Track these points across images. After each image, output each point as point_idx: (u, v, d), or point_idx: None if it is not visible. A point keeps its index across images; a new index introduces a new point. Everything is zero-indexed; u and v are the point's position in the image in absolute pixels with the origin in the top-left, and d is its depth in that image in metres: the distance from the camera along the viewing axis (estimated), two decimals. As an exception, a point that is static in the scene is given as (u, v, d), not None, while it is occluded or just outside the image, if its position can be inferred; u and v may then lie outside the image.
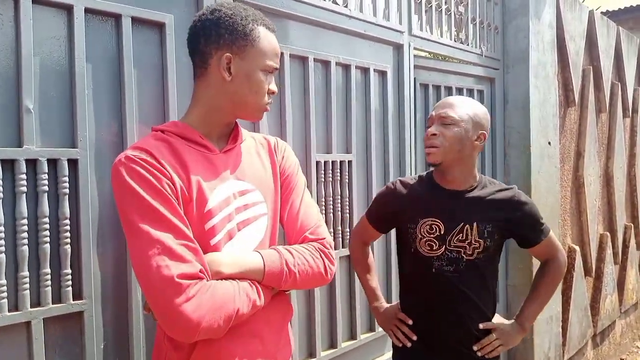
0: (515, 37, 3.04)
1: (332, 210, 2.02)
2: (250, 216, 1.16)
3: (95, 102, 1.36)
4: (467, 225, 1.53)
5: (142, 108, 1.44)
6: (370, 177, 2.20)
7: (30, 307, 1.23)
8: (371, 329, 2.23)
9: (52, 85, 1.28)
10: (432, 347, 1.60)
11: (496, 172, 3.04)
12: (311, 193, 1.89)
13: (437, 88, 2.64)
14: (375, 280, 1.78)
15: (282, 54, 1.80)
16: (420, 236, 1.56)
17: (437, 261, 1.55)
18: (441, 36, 2.62)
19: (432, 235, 1.55)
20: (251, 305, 1.05)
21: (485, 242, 1.54)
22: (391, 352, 1.72)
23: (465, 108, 1.53)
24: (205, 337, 0.98)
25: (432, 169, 1.63)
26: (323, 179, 1.98)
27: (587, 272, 3.70)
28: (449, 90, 2.71)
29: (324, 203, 1.98)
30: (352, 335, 2.14)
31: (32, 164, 1.24)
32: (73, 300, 1.30)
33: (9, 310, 1.20)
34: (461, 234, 1.54)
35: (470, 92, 2.86)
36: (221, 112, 1.15)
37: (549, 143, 3.17)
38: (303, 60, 1.91)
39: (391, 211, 1.65)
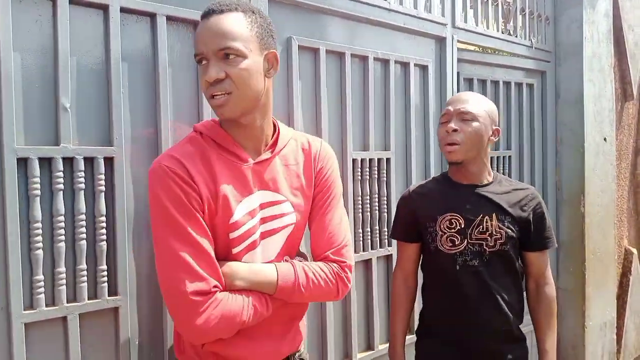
0: (568, 28, 2.88)
1: (369, 209, 1.98)
2: (276, 227, 1.17)
3: (130, 100, 1.37)
4: (487, 217, 1.51)
5: (176, 106, 1.45)
6: (410, 175, 2.14)
7: (67, 303, 1.26)
8: (409, 331, 2.17)
9: (89, 84, 1.30)
10: (458, 348, 1.55)
11: (547, 172, 2.89)
12: (347, 191, 1.88)
13: (482, 82, 2.53)
14: (405, 328, 1.68)
15: (317, 49, 1.78)
16: (441, 232, 1.53)
17: (460, 257, 1.52)
18: (487, 28, 2.51)
19: (452, 230, 1.52)
20: (258, 317, 1.10)
21: (506, 232, 1.51)
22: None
23: (481, 103, 1.53)
24: (212, 340, 1.07)
25: (445, 169, 1.61)
26: (360, 177, 1.94)
27: (645, 276, 3.49)
28: (496, 85, 2.60)
29: (360, 201, 1.94)
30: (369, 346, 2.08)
31: (69, 161, 1.26)
32: (108, 296, 1.32)
33: (46, 306, 1.23)
34: (481, 226, 1.51)
35: (519, 86, 2.73)
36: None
37: (605, 139, 3.00)
38: (340, 55, 1.87)
39: (411, 216, 1.61)
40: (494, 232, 1.51)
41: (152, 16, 1.39)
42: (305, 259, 1.26)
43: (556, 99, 2.94)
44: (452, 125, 1.48)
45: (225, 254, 1.11)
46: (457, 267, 1.52)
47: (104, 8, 1.31)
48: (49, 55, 1.24)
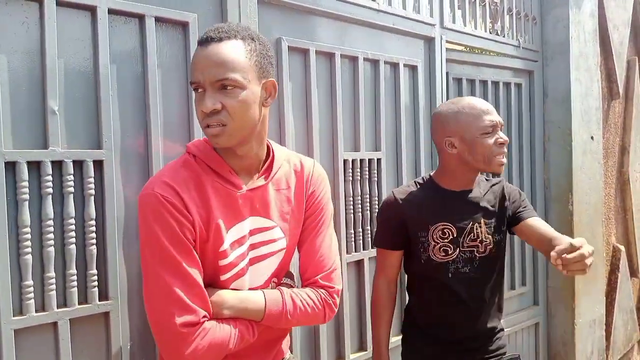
0: (554, 28, 2.91)
1: (360, 210, 1.98)
2: (265, 252, 1.17)
3: (119, 102, 1.36)
4: (476, 224, 1.53)
5: (166, 108, 1.44)
6: (401, 175, 2.14)
7: (57, 308, 1.24)
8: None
9: (77, 86, 1.29)
10: (450, 347, 1.58)
11: (535, 171, 2.91)
12: (338, 192, 1.88)
13: (471, 82, 2.55)
14: (389, 331, 1.66)
15: (307, 50, 1.78)
16: (433, 243, 1.52)
17: (452, 265, 1.53)
18: (475, 28, 2.52)
19: (445, 240, 1.52)
20: (244, 343, 1.10)
21: (494, 237, 1.55)
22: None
23: None
24: None
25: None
26: (351, 178, 1.94)
27: (632, 273, 3.53)
28: (484, 84, 2.61)
29: (352, 202, 1.94)
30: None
31: (57, 165, 1.25)
32: (99, 301, 1.31)
33: (36, 311, 1.21)
34: (472, 234, 1.53)
35: (507, 86, 2.75)
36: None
37: (592, 138, 3.03)
38: (330, 56, 1.87)
39: (399, 223, 1.56)
40: (484, 239, 1.53)
41: (141, 17, 1.38)
42: (293, 279, 1.26)
43: (544, 98, 2.96)
44: (504, 137, 1.49)
45: (213, 280, 1.11)
46: (450, 275, 1.53)
47: (92, 9, 1.30)
48: (36, 57, 1.22)
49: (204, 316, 1.04)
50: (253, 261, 1.15)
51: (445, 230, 1.52)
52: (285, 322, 1.14)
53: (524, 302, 2.87)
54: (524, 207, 1.60)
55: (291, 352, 1.57)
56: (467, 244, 1.53)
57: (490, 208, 1.56)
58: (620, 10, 3.29)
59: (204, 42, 1.04)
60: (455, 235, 1.52)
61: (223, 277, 1.11)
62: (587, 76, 2.98)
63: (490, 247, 1.54)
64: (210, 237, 1.07)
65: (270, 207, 1.16)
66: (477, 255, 1.54)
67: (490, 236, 1.54)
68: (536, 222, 1.55)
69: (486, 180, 1.65)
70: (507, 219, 1.59)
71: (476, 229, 1.53)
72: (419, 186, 1.60)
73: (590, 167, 3.01)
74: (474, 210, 1.55)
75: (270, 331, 1.17)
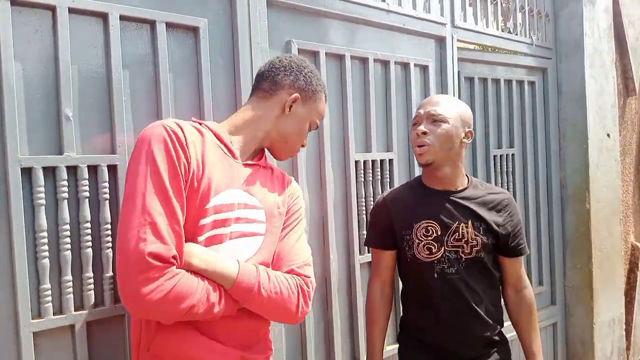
0: (568, 25, 2.88)
1: (373, 211, 1.97)
2: (246, 230, 1.15)
3: (132, 107, 1.38)
4: (462, 224, 1.50)
5: (178, 112, 1.45)
6: (413, 175, 2.13)
7: (74, 311, 1.26)
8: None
9: (90, 92, 1.31)
10: (440, 355, 1.55)
11: (551, 169, 2.88)
12: (350, 194, 1.88)
13: (483, 81, 2.53)
14: (383, 338, 1.64)
15: (317, 52, 1.78)
16: (417, 240, 1.52)
17: (438, 265, 1.51)
18: (487, 26, 2.50)
19: (429, 238, 1.51)
20: (208, 307, 1.02)
21: (482, 239, 1.51)
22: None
23: (453, 105, 1.53)
24: (153, 319, 1.03)
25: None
26: (363, 179, 1.94)
27: (653, 271, 3.46)
28: (497, 83, 2.59)
29: (364, 203, 1.94)
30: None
31: (72, 170, 1.27)
32: (115, 304, 1.32)
33: (54, 314, 1.23)
34: (457, 233, 1.50)
35: (520, 84, 2.72)
36: (260, 135, 1.23)
37: (608, 135, 2.99)
38: (340, 58, 1.88)
39: (386, 223, 1.59)
40: (470, 239, 1.50)
41: (152, 23, 1.40)
42: None
43: (558, 95, 2.93)
44: (422, 127, 1.48)
45: (189, 240, 1.05)
46: (435, 275, 1.52)
47: (104, 17, 1.32)
48: (50, 64, 1.25)
49: (174, 257, 0.98)
50: (233, 235, 1.12)
51: (429, 228, 1.52)
52: (258, 297, 1.07)
53: (542, 301, 2.83)
54: (519, 240, 1.59)
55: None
56: (452, 243, 1.50)
57: (481, 211, 1.52)
58: (635, 5, 3.24)
59: (326, 99, 1.35)
60: (439, 234, 1.51)
61: (200, 238, 1.07)
62: (602, 73, 2.94)
63: (477, 248, 1.51)
64: (199, 188, 1.06)
65: (259, 190, 1.20)
66: (463, 256, 1.50)
67: (477, 238, 1.51)
68: (515, 264, 1.61)
69: (484, 185, 1.62)
70: (500, 234, 1.54)
71: (462, 228, 1.50)
72: (407, 187, 1.64)
73: (607, 164, 2.97)
74: (462, 211, 1.52)
75: (251, 315, 1.12)
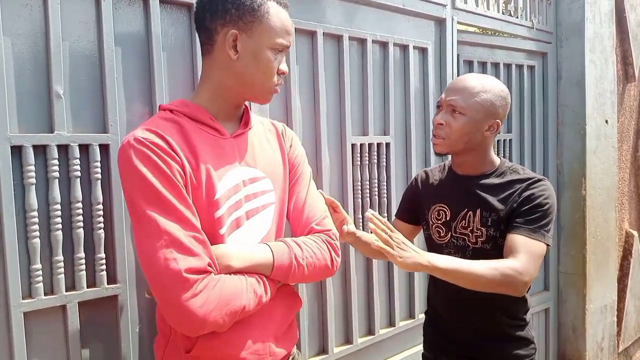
0: (569, 8, 2.84)
1: (368, 195, 1.96)
2: (259, 205, 1.13)
3: (125, 86, 1.35)
4: (470, 212, 1.44)
5: (172, 90, 1.43)
6: (410, 160, 2.12)
7: (66, 291, 1.25)
8: (411, 315, 2.17)
9: (82, 70, 1.28)
10: (451, 339, 1.53)
11: (548, 155, 2.87)
12: (346, 177, 1.86)
13: (482, 64, 2.50)
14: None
15: (315, 32, 1.75)
16: (431, 222, 1.53)
17: (446, 248, 1.49)
18: (487, 9, 2.47)
19: (439, 222, 1.51)
20: (257, 301, 1.03)
21: (488, 230, 1.40)
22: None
23: (479, 94, 1.37)
24: (210, 331, 0.97)
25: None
26: (359, 162, 1.92)
27: (646, 258, 3.48)
28: (496, 67, 2.56)
29: (360, 187, 1.93)
30: (391, 323, 2.09)
31: (63, 149, 1.25)
32: (107, 284, 1.31)
33: (45, 294, 1.22)
34: (464, 221, 1.45)
35: (520, 68, 2.70)
36: (229, 93, 1.11)
37: (606, 122, 2.97)
38: (337, 38, 1.84)
39: (412, 199, 1.64)
40: (475, 229, 1.42)
41: (145, -1, 1.36)
42: None
43: (557, 80, 2.91)
44: (439, 118, 1.41)
45: (212, 236, 1.02)
46: None
47: (96, -8, 1.28)
48: (40, 40, 1.21)
49: (209, 264, 0.95)
50: (249, 215, 1.10)
51: (440, 212, 1.51)
52: (298, 272, 1.08)
53: (535, 287, 2.84)
54: (520, 218, 1.35)
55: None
56: (459, 230, 1.46)
57: (493, 201, 1.40)
58: (638, -11, 3.20)
59: (286, 4, 1.10)
60: (448, 219, 1.48)
61: (222, 231, 1.04)
62: (602, 58, 2.91)
63: (482, 239, 1.40)
64: (201, 183, 1.01)
65: (257, 157, 1.15)
66: (470, 245, 1.43)
67: (483, 228, 1.40)
68: (510, 242, 1.33)
69: (517, 172, 1.44)
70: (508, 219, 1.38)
71: (469, 217, 1.44)
72: (440, 167, 1.63)
73: (605, 151, 2.96)
74: (473, 198, 1.43)
75: (279, 299, 1.12)
